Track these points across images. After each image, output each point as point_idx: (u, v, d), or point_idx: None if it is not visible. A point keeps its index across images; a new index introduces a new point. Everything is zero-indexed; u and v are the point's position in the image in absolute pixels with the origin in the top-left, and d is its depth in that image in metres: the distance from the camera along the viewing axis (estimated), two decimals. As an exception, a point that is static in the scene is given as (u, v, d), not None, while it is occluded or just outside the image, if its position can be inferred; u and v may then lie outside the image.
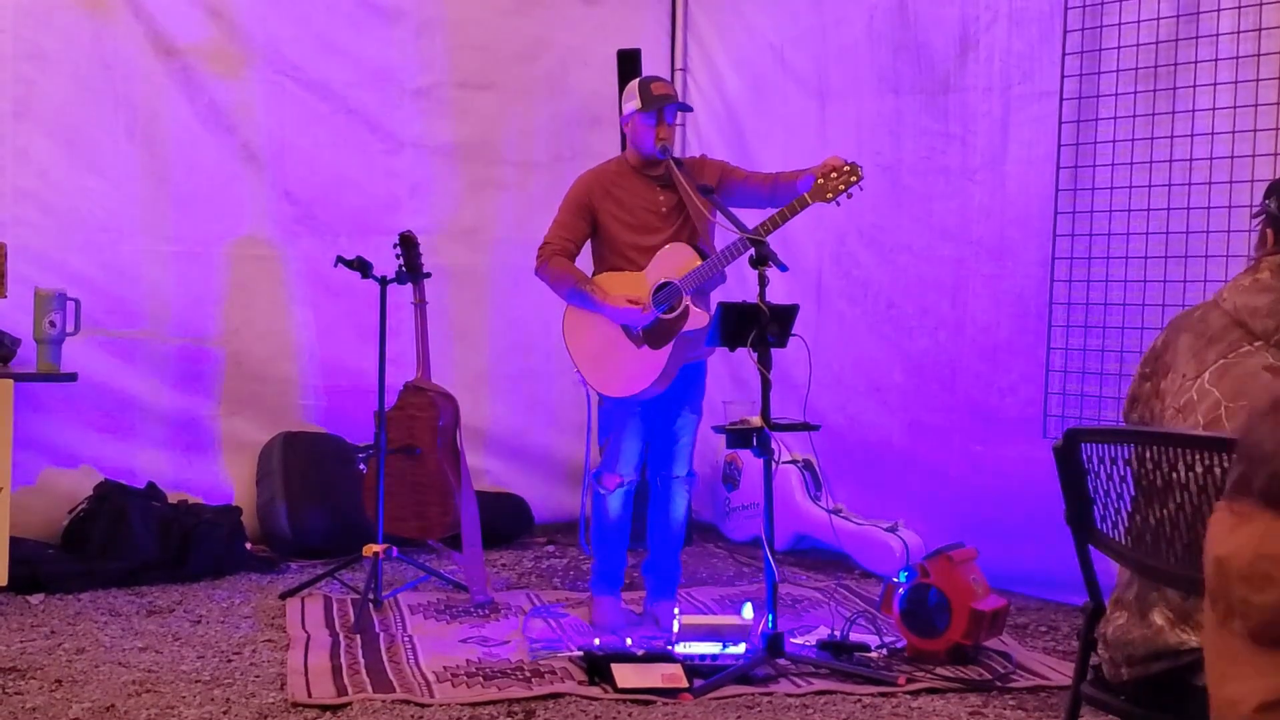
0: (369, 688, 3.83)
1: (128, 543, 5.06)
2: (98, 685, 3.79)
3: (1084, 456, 2.42)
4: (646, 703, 3.76)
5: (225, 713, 3.60)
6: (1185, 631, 2.30)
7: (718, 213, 4.32)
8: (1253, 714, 1.63)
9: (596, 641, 4.26)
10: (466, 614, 4.71)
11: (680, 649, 4.13)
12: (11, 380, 4.68)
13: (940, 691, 3.93)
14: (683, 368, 4.49)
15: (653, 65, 6.07)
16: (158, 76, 5.59)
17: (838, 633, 4.35)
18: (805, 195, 4.28)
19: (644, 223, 4.48)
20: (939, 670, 4.09)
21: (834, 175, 4.26)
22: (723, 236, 4.48)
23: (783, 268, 4.15)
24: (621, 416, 4.52)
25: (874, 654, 4.23)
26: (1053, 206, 4.96)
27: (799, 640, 4.33)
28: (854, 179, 4.26)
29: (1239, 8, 4.39)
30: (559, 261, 4.49)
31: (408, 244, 4.99)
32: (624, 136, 4.68)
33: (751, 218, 4.33)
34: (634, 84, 4.54)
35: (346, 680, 3.89)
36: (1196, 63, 4.52)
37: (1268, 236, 2.55)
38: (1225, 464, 2.21)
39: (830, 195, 4.26)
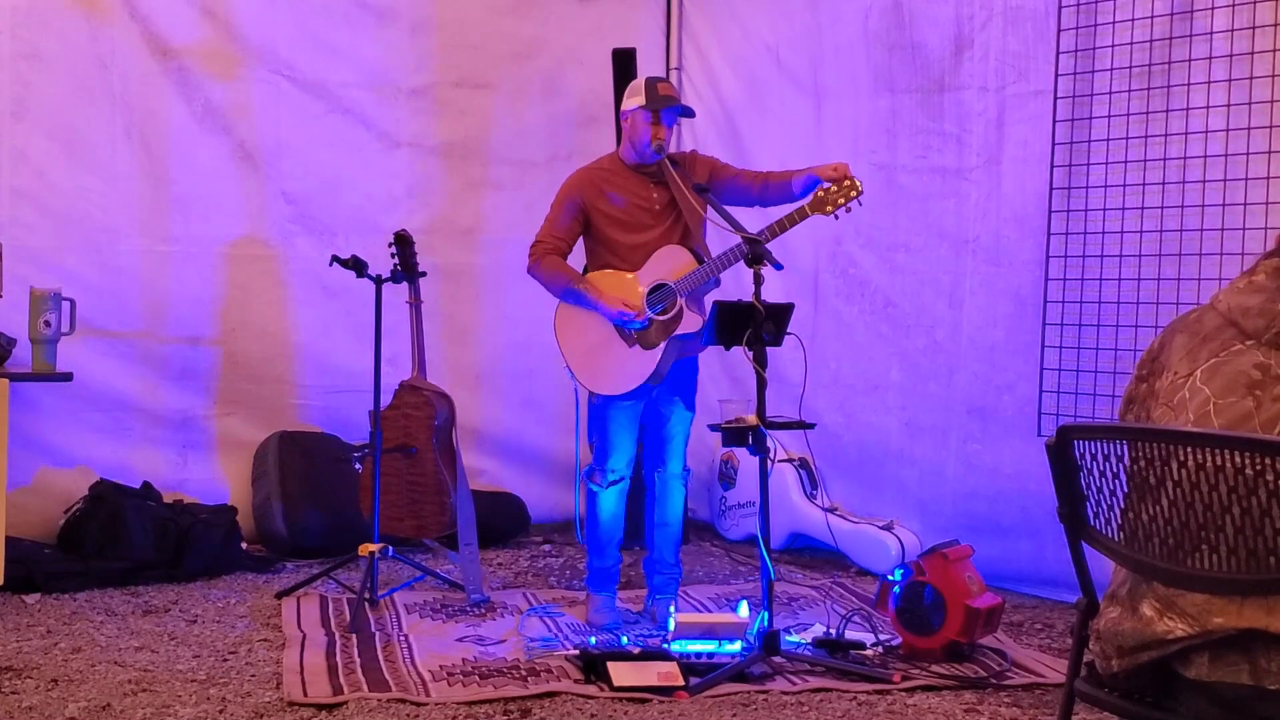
0: (365, 687, 3.83)
1: (124, 542, 5.06)
2: (94, 684, 3.79)
3: (1076, 453, 2.43)
4: (643, 701, 3.77)
5: (221, 712, 3.60)
6: (1171, 619, 2.31)
7: (711, 211, 4.33)
8: None
9: (592, 640, 4.27)
10: (463, 613, 4.71)
11: (676, 647, 4.14)
12: (7, 380, 4.68)
13: (935, 689, 3.93)
14: (675, 364, 4.50)
15: (648, 65, 6.08)
16: (154, 77, 5.59)
17: (833, 630, 4.35)
18: (805, 207, 4.33)
19: (636, 220, 4.49)
20: (934, 668, 4.10)
21: (834, 189, 4.31)
22: (715, 234, 4.49)
23: (778, 266, 4.16)
24: (611, 413, 4.52)
25: (869, 651, 4.24)
26: (1047, 205, 4.97)
27: (795, 638, 4.33)
28: (854, 193, 4.31)
29: (1232, 6, 4.40)
30: (551, 260, 4.50)
31: (403, 243, 4.99)
32: (618, 133, 4.68)
33: (740, 215, 4.35)
34: (640, 81, 4.54)
35: (342, 679, 3.89)
36: (1190, 61, 4.53)
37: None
38: (1216, 460, 2.22)
39: (830, 208, 4.32)
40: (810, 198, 4.34)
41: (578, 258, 4.61)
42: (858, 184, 4.31)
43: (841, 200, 4.30)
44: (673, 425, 4.59)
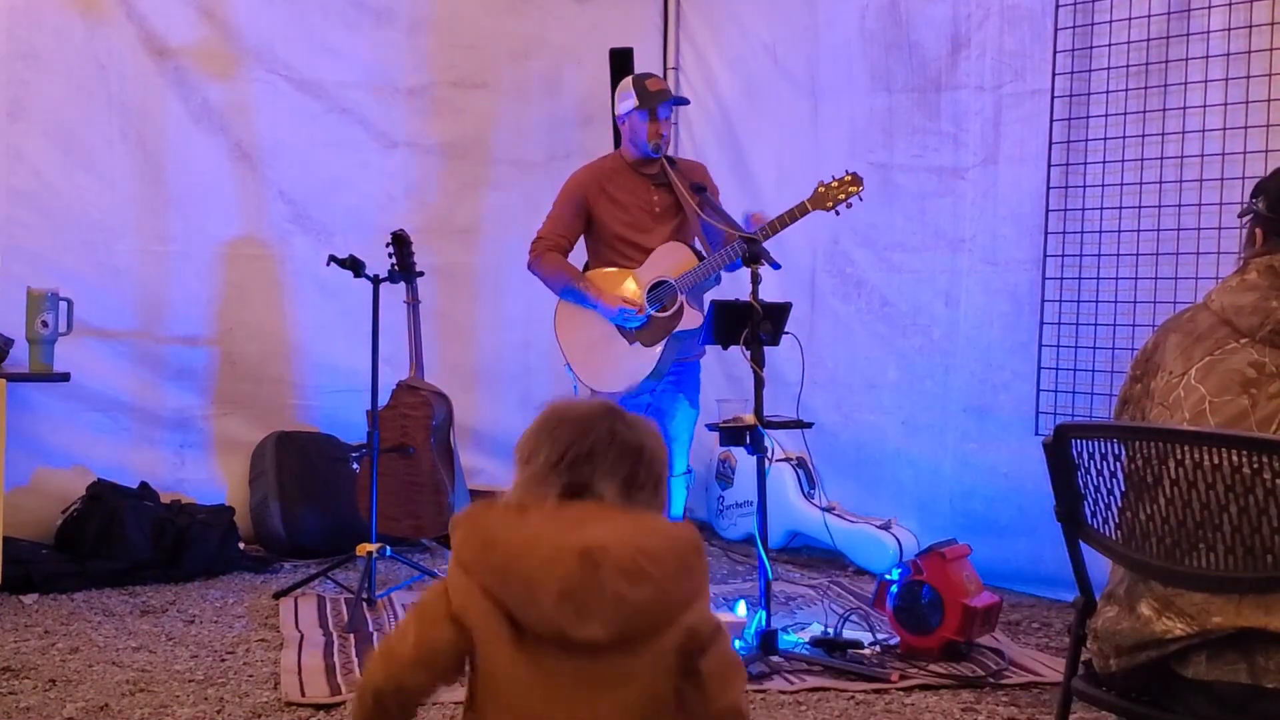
0: (363, 686, 3.82)
1: (121, 543, 5.05)
2: (91, 685, 3.79)
3: (1074, 452, 2.43)
4: (640, 700, 3.76)
5: (219, 712, 3.60)
6: (1170, 619, 2.32)
7: (708, 210, 4.34)
8: None
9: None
10: (460, 613, 4.70)
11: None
12: (4, 380, 4.68)
13: (933, 688, 3.94)
14: (678, 366, 4.50)
15: (646, 64, 6.06)
16: (151, 77, 5.59)
17: (831, 630, 4.35)
18: (806, 202, 4.35)
19: (639, 220, 4.50)
20: (932, 667, 4.10)
21: (835, 185, 4.34)
22: (716, 236, 4.49)
23: (775, 265, 4.17)
24: None
25: (867, 651, 4.24)
26: (1044, 204, 4.97)
27: (792, 637, 4.33)
28: (854, 189, 4.33)
29: (1229, 5, 4.41)
30: (552, 257, 4.50)
31: (400, 243, 4.99)
32: (617, 134, 4.69)
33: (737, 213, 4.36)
34: (628, 81, 4.55)
35: (340, 679, 3.89)
36: (1187, 60, 4.54)
37: (1256, 236, 2.58)
38: (1214, 458, 2.22)
39: (830, 204, 4.34)
40: (811, 193, 4.37)
41: (579, 256, 4.61)
42: (859, 180, 4.35)
43: (842, 195, 4.34)
44: (677, 424, 4.59)
